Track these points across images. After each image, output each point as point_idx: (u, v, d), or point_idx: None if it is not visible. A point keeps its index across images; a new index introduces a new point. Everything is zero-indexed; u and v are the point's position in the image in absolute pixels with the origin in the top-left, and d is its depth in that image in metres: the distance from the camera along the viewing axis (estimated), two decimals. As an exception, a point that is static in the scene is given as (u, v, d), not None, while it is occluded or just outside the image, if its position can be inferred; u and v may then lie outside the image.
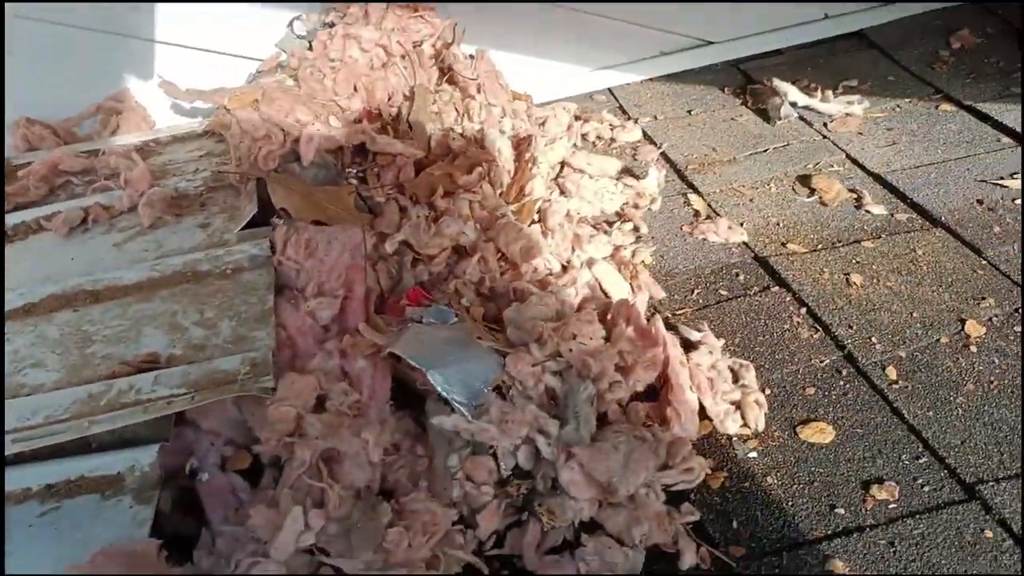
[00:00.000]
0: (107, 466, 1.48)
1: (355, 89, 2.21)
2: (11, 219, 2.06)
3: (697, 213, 2.36)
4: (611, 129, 2.83)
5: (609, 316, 1.75)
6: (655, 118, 2.94)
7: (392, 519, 1.41)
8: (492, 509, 1.45)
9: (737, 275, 2.08)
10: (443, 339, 1.65)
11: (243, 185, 2.01)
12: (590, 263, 2.00)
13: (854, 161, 2.53)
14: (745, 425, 1.63)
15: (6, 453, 1.35)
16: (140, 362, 1.50)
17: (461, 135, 2.26)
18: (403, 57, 2.30)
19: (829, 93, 2.87)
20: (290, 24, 2.64)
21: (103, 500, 1.45)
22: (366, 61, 2.29)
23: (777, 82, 2.91)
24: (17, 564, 1.36)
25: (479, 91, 2.46)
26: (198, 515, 1.51)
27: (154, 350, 1.54)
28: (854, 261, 2.07)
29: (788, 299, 1.97)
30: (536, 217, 2.09)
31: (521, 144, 2.24)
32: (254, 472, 1.57)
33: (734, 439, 1.62)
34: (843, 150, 2.59)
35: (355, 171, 2.05)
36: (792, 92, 2.86)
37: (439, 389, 1.53)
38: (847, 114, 2.79)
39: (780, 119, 2.81)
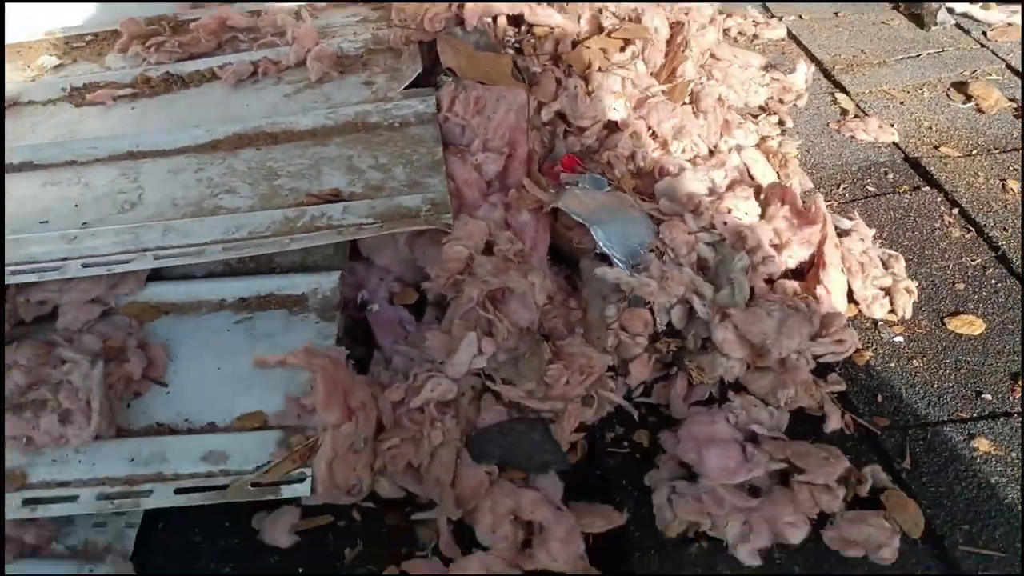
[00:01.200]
0: (293, 286, 1.63)
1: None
2: (186, 67, 2.18)
3: (845, 112, 2.31)
4: (754, 25, 2.77)
5: (763, 196, 1.77)
6: (800, 17, 2.84)
7: (551, 358, 1.51)
8: (643, 360, 1.53)
9: (886, 173, 2.06)
10: (601, 201, 1.71)
11: (405, 47, 2.07)
12: (739, 148, 2.01)
13: (1014, 71, 2.42)
14: (892, 311, 1.65)
15: (216, 259, 1.49)
16: (327, 194, 1.62)
17: (613, 14, 2.24)
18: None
19: (992, 2, 2.72)
20: None
21: (291, 315, 1.60)
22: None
23: (936, -15, 2.76)
24: (219, 359, 1.53)
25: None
26: (366, 343, 1.66)
27: (336, 186, 1.65)
28: (1011, 168, 2.02)
29: (940, 199, 1.95)
30: (687, 99, 2.09)
31: (675, 27, 2.22)
32: (418, 309, 1.70)
33: (880, 323, 1.65)
34: (1003, 59, 2.47)
35: (513, 40, 2.08)
36: (951, -4, 2.72)
37: (601, 244, 1.59)
38: (1009, 24, 2.65)
39: (936, 24, 2.68)
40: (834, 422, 1.44)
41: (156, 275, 1.64)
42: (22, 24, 2.53)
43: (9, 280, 1.46)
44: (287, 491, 1.31)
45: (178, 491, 1.32)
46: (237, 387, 1.48)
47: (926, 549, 1.26)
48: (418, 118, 1.86)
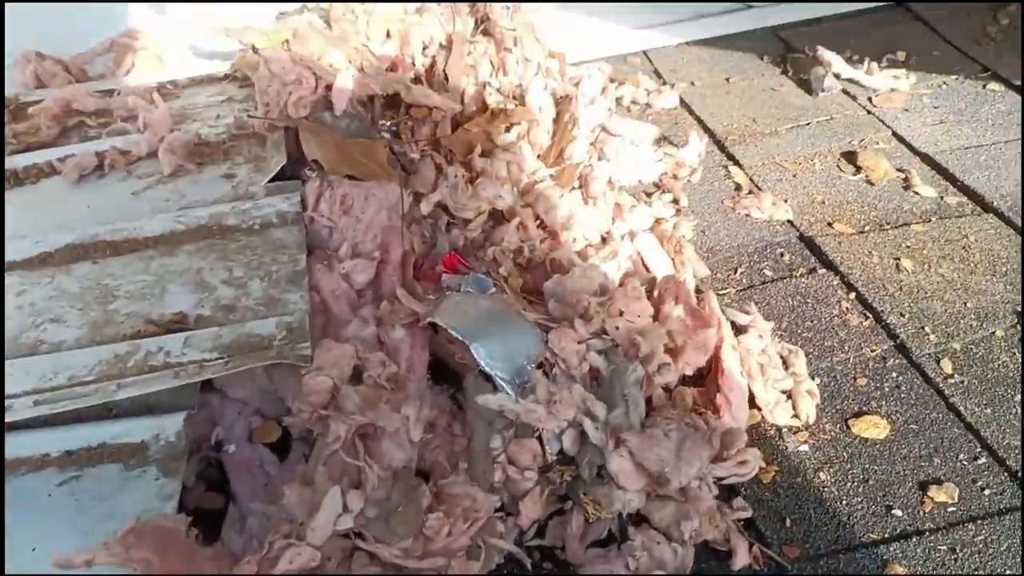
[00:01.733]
0: (130, 433, 1.40)
1: (388, 35, 2.08)
2: (22, 160, 1.94)
3: (739, 187, 2.26)
4: (647, 94, 2.72)
5: (656, 293, 1.67)
6: (692, 84, 2.81)
7: (431, 503, 1.34)
8: (535, 496, 1.38)
9: (782, 255, 2.00)
10: (484, 310, 1.56)
11: (270, 133, 1.89)
12: (631, 235, 1.91)
13: (900, 139, 2.43)
14: (795, 416, 1.56)
15: (26, 416, 1.26)
16: (167, 322, 1.41)
17: (498, 90, 2.14)
18: (439, 3, 2.16)
19: (874, 65, 2.76)
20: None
21: (126, 470, 1.37)
22: (400, 6, 2.15)
23: (821, 51, 2.79)
24: (36, 535, 1.28)
25: (515, 44, 2.32)
26: (222, 489, 1.45)
27: (181, 309, 1.45)
28: (904, 245, 1.99)
29: (836, 283, 1.89)
30: (577, 183, 1.99)
31: (561, 104, 2.12)
32: (282, 446, 1.50)
33: (783, 431, 1.55)
34: (889, 127, 2.49)
35: (388, 124, 1.93)
36: (836, 62, 2.75)
37: (482, 363, 1.44)
38: (892, 89, 2.69)
39: (823, 91, 2.69)
40: (741, 558, 1.32)
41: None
42: None
43: None
44: None
45: None
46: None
47: None
48: (281, 218, 1.68)
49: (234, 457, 1.45)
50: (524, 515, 1.37)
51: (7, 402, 1.26)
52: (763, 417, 1.56)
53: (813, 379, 1.62)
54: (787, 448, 1.52)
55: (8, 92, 2.27)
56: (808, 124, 2.54)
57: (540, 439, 1.41)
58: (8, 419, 1.25)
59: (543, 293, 1.71)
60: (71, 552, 1.14)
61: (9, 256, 1.61)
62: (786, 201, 2.16)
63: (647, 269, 1.85)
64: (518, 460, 1.38)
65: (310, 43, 1.85)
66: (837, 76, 2.73)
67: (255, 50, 1.89)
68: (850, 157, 2.35)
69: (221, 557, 1.23)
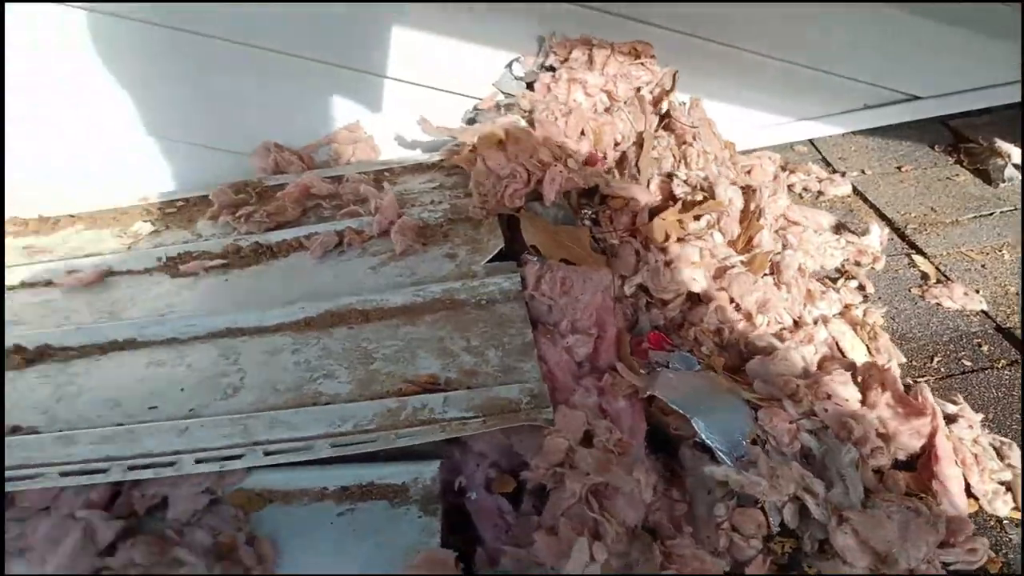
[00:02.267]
0: (394, 476, 1.59)
1: (582, 133, 2.30)
2: (274, 236, 2.26)
3: (926, 276, 2.29)
4: (818, 182, 2.80)
5: (860, 379, 1.73)
6: (863, 172, 2.88)
7: (662, 562, 1.44)
8: (759, 563, 1.45)
9: (980, 345, 2.01)
10: (696, 386, 1.68)
11: (484, 220, 2.12)
12: (824, 320, 1.99)
13: (1094, 231, 2.39)
14: (1016, 508, 1.56)
15: (324, 455, 1.48)
16: (423, 382, 1.61)
17: (685, 182, 2.30)
18: (626, 103, 2.37)
19: (1056, 157, 2.74)
20: (508, 65, 2.77)
21: (392, 507, 1.56)
22: (590, 105, 2.37)
23: (999, 143, 2.80)
24: (325, 559, 1.48)
25: (695, 139, 2.50)
26: (463, 531, 1.60)
27: (433, 372, 1.65)
28: (1112, 341, 1.96)
29: (1041, 376, 1.88)
30: (768, 269, 2.10)
31: (747, 194, 2.25)
32: (511, 498, 1.64)
33: (1005, 522, 1.55)
34: (1080, 219, 2.46)
35: (589, 213, 2.12)
36: (1016, 154, 2.75)
37: (702, 436, 1.55)
38: (1079, 181, 2.65)
39: (1004, 181, 2.69)
40: (975, 643, 1.33)
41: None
42: (120, 190, 2.67)
43: (126, 477, 1.47)
44: None
45: None
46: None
47: None
48: (504, 295, 1.88)
49: (477, 503, 1.61)
50: (748, 583, 1.45)
51: (305, 442, 1.48)
52: (981, 507, 1.57)
53: (1028, 472, 1.62)
54: (1011, 540, 1.52)
55: (251, 176, 2.65)
56: (991, 214, 2.55)
57: (763, 510, 1.49)
58: (307, 457, 1.47)
59: (743, 372, 1.81)
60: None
61: (280, 319, 1.89)
62: (978, 291, 2.17)
63: (842, 354, 1.91)
64: (743, 528, 1.47)
65: (523, 143, 2.08)
66: (1017, 167, 2.73)
67: (474, 149, 2.14)
68: (1042, 248, 2.34)
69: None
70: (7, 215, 2.64)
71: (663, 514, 1.55)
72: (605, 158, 2.36)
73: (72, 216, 2.67)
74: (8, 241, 2.57)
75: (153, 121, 2.72)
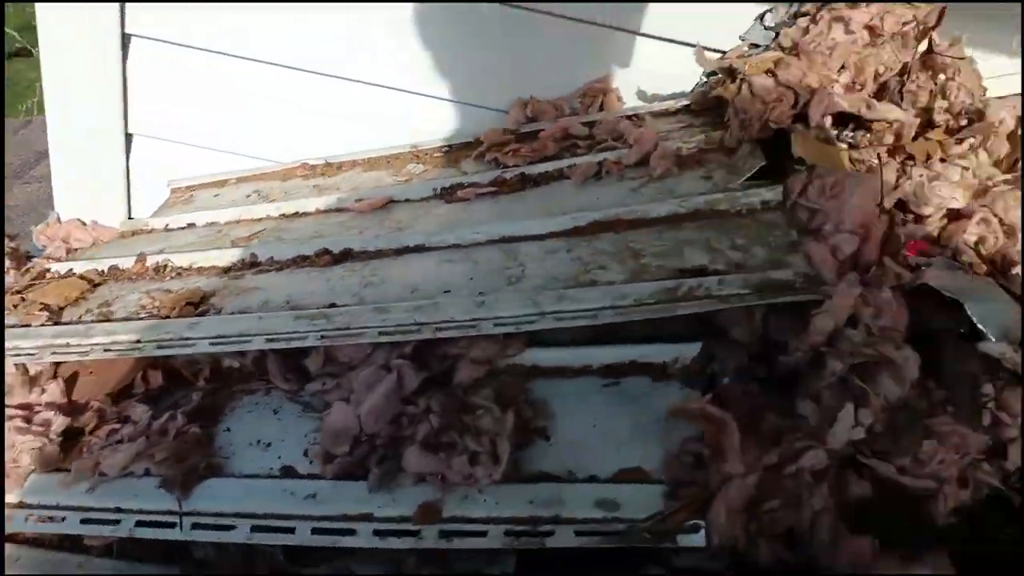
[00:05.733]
0: (655, 354, 1.78)
1: (843, 67, 2.34)
2: (537, 168, 2.53)
3: None
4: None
5: None
6: None
7: (924, 434, 1.49)
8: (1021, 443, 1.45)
9: None
10: (964, 280, 1.70)
11: (740, 145, 2.24)
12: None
13: None
14: None
15: (608, 321, 1.68)
16: (694, 270, 1.77)
17: (946, 110, 2.26)
18: (892, 37, 2.37)
19: None
20: (760, 17, 2.84)
21: (655, 382, 1.74)
22: (851, 40, 2.40)
23: None
24: (595, 417, 1.69)
25: (956, 73, 2.43)
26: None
27: (701, 263, 1.81)
28: None
29: None
30: (1042, 189, 2.03)
31: (1019, 119, 2.18)
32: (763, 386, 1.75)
33: None
34: None
35: (850, 136, 2.17)
36: None
37: (975, 320, 1.57)
38: None
39: None
40: None
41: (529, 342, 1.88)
42: (392, 138, 3.09)
43: (436, 335, 1.76)
44: (683, 540, 1.40)
45: (578, 533, 1.46)
46: (614, 443, 1.63)
47: None
48: (764, 205, 1.99)
49: (728, 388, 1.74)
50: (1011, 459, 1.45)
51: (591, 312, 1.69)
52: None
53: None
54: None
55: (507, 125, 2.95)
56: None
57: (1035, 394, 1.48)
58: (594, 322, 1.68)
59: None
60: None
61: (552, 227, 2.13)
62: None
63: None
64: (1009, 407, 1.47)
65: (793, 67, 2.17)
66: None
67: (743, 76, 2.26)
68: None
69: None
70: (298, 160, 3.13)
71: (923, 400, 1.58)
72: (862, 89, 2.38)
73: (352, 161, 3.13)
74: (299, 182, 3.07)
75: (421, 80, 3.10)
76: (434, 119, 3.15)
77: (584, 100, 3.00)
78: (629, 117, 2.76)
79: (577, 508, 1.49)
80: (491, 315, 1.75)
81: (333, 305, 1.99)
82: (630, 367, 1.78)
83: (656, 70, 2.94)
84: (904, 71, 2.31)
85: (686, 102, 2.76)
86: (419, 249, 2.23)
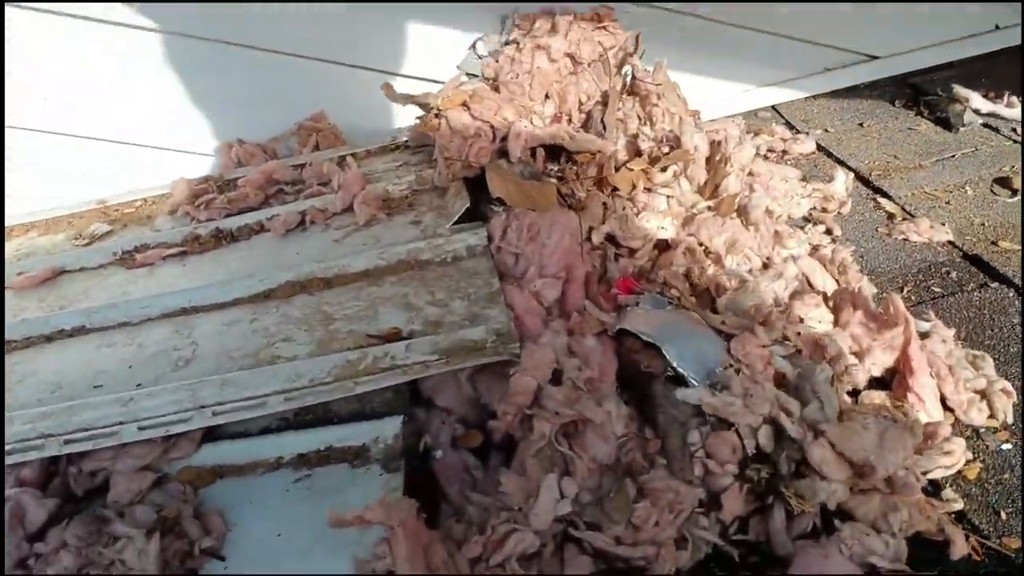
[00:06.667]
0: (353, 437, 1.55)
1: (547, 96, 2.29)
2: (235, 221, 2.22)
3: (891, 215, 2.29)
4: (783, 141, 2.81)
5: (832, 303, 1.71)
6: (826, 131, 2.89)
7: (636, 496, 1.40)
8: (735, 491, 1.41)
9: (948, 272, 2.00)
10: (667, 319, 1.65)
11: (451, 184, 2.10)
12: (794, 259, 1.97)
13: (1057, 163, 2.40)
14: (992, 416, 1.54)
15: (278, 410, 1.43)
16: (386, 334, 1.58)
17: (650, 138, 2.29)
18: (590, 65, 2.37)
19: (1014, 99, 2.75)
20: (472, 46, 2.76)
21: (352, 469, 1.52)
22: (554, 70, 2.37)
23: (957, 88, 2.82)
24: (278, 524, 1.43)
25: (659, 98, 2.49)
26: (428, 495, 1.55)
27: (395, 326, 1.61)
28: (1079, 258, 1.95)
29: (1012, 295, 1.87)
30: (735, 213, 2.08)
31: (713, 146, 2.24)
32: (480, 455, 1.60)
33: (981, 431, 1.53)
34: (1041, 153, 2.46)
35: (554, 169, 2.10)
36: (974, 99, 2.77)
37: (674, 363, 1.52)
38: (1038, 119, 2.66)
39: (964, 126, 2.71)
40: (960, 547, 1.30)
41: (209, 436, 1.58)
42: (74, 195, 2.64)
43: (63, 451, 1.41)
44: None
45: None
46: (300, 555, 1.37)
47: None
48: (470, 251, 1.85)
49: (442, 462, 1.57)
50: (726, 509, 1.40)
51: (258, 400, 1.43)
52: (957, 419, 1.55)
53: (1005, 383, 1.60)
54: (988, 447, 1.49)
55: (213, 172, 2.63)
56: (953, 156, 2.55)
57: (738, 434, 1.45)
58: (260, 413, 1.42)
59: (714, 311, 1.78)
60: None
61: (237, 294, 1.85)
62: (944, 224, 2.17)
63: (814, 289, 1.89)
64: (717, 454, 1.43)
65: (488, 101, 2.07)
66: (976, 112, 2.75)
67: (438, 112, 2.12)
68: (1004, 182, 2.34)
69: (446, 540, 1.33)
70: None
71: (636, 452, 1.50)
72: (570, 120, 2.35)
73: (26, 225, 2.63)
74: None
75: (110, 125, 2.68)
76: (127, 170, 2.74)
77: (300, 140, 2.75)
78: (343, 158, 2.55)
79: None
80: (135, 416, 1.43)
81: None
82: (327, 454, 1.54)
83: (376, 104, 2.76)
84: (605, 99, 2.30)
85: (406, 138, 2.60)
86: (78, 332, 1.85)
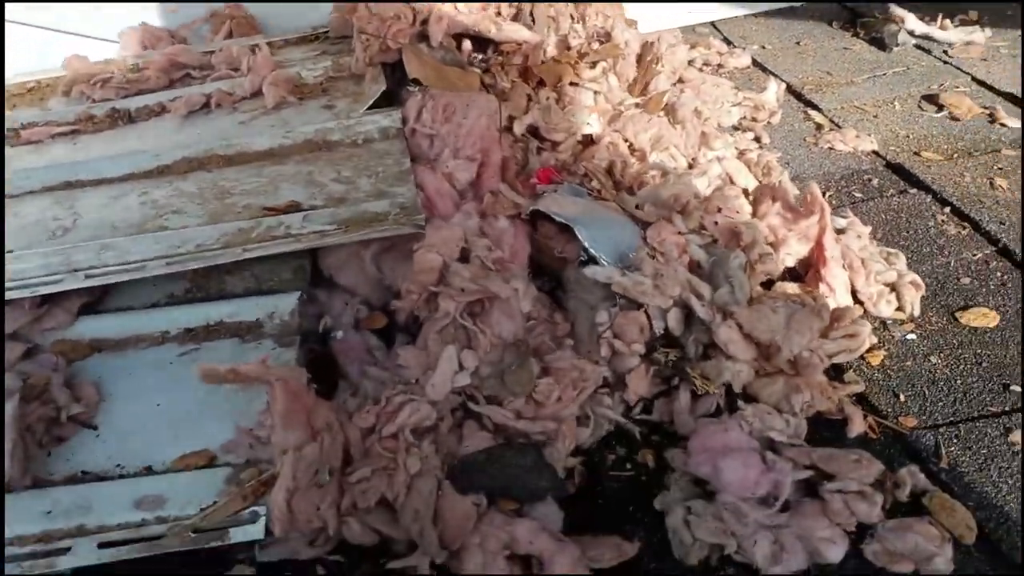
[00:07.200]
0: (246, 311, 1.46)
1: (475, -15, 2.17)
2: (134, 102, 2.07)
3: (819, 126, 2.27)
4: (719, 55, 2.75)
5: (752, 197, 1.68)
6: (763, 47, 2.84)
7: (540, 373, 1.36)
8: (641, 372, 1.38)
9: (870, 179, 1.99)
10: (583, 206, 1.60)
11: (368, 69, 1.97)
12: (719, 160, 1.93)
13: (981, 83, 2.41)
14: (899, 308, 1.54)
15: (158, 273, 1.33)
16: (284, 207, 1.47)
17: (582, 36, 2.19)
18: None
19: (947, 22, 2.75)
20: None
21: (243, 343, 1.43)
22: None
23: (893, 7, 2.79)
24: (159, 394, 1.34)
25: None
26: (330, 379, 1.48)
27: (295, 199, 1.51)
28: (996, 167, 1.97)
29: (929, 200, 1.87)
30: (663, 112, 2.02)
31: (645, 45, 2.17)
32: (386, 336, 1.53)
33: (889, 322, 1.53)
34: (968, 73, 2.47)
35: (479, 59, 2.00)
36: (909, 19, 2.75)
37: (587, 245, 1.47)
38: (968, 42, 2.67)
39: (897, 46, 2.69)
40: (857, 425, 1.30)
41: (90, 309, 1.47)
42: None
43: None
44: (237, 534, 1.11)
45: (102, 545, 1.11)
46: (179, 424, 1.29)
47: (982, 556, 1.11)
48: (382, 133, 1.75)
49: (343, 342, 1.49)
50: (631, 390, 1.38)
51: (137, 264, 1.32)
52: (866, 311, 1.54)
53: (915, 279, 1.60)
54: (894, 337, 1.49)
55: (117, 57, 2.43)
56: (884, 74, 2.54)
57: (647, 315, 1.41)
58: (137, 276, 1.32)
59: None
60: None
61: (128, 169, 1.72)
62: (869, 135, 2.15)
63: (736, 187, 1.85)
64: (624, 334, 1.39)
65: (407, -17, 1.94)
66: (911, 33, 2.73)
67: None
68: (931, 99, 2.34)
69: (339, 410, 1.27)
70: None
71: (545, 335, 1.45)
72: (499, 13, 2.23)
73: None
74: None
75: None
76: (22, 51, 2.51)
77: (213, 28, 2.56)
78: (256, 46, 2.38)
79: (108, 513, 1.15)
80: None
81: None
82: (217, 329, 1.45)
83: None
84: (534, -6, 2.19)
85: (325, 28, 2.45)
86: (-51, 205, 1.68)
